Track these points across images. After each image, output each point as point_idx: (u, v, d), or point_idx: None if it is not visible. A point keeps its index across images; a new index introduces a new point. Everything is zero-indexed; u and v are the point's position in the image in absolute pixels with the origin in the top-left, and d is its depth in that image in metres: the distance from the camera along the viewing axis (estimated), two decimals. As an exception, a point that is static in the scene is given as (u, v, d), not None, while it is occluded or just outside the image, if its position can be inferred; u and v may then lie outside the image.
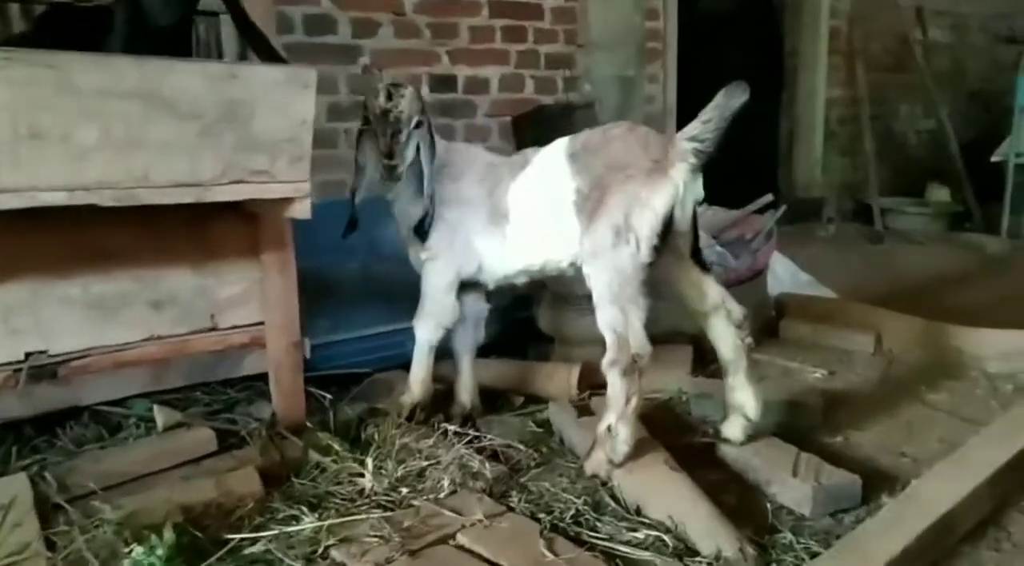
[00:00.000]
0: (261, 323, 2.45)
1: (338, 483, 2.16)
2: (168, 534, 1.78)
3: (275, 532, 1.91)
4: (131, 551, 1.74)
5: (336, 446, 2.29)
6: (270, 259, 2.42)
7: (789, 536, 1.94)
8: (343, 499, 2.09)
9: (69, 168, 1.83)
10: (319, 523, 1.94)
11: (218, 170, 2.03)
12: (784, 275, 4.15)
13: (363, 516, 1.97)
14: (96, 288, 2.19)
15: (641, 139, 2.22)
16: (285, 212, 2.25)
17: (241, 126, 2.02)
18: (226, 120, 2.00)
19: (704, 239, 2.94)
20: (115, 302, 2.22)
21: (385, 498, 2.08)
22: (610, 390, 2.16)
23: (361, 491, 2.12)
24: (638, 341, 2.11)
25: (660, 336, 2.45)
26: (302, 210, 2.22)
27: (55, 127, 1.80)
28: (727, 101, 2.07)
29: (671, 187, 2.13)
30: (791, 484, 2.11)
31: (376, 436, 2.36)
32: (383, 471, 2.18)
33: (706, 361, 2.85)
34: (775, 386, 2.82)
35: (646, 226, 2.12)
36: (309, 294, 2.58)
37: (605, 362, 2.14)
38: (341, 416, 2.53)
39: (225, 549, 1.84)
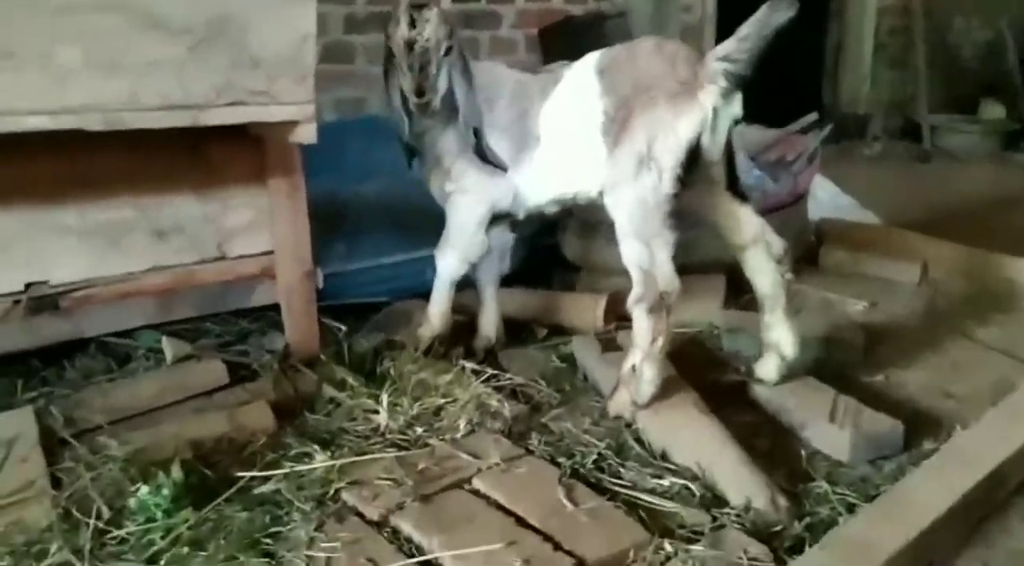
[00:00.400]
0: (271, 252, 2.35)
1: (352, 419, 2.10)
2: (176, 472, 1.73)
3: (286, 471, 1.85)
4: (137, 490, 1.69)
5: (351, 380, 2.23)
6: (278, 185, 2.29)
7: (824, 485, 1.83)
8: (357, 436, 2.03)
9: (50, 90, 1.72)
10: (331, 462, 1.87)
11: (212, 91, 1.89)
12: (824, 198, 3.93)
13: (377, 455, 1.91)
14: (94, 216, 2.10)
15: (669, 57, 2.03)
16: (289, 136, 2.11)
17: (235, 42, 1.88)
18: (218, 36, 1.85)
19: (741, 162, 2.74)
20: (115, 231, 2.14)
21: (400, 436, 2.02)
22: (635, 328, 2.04)
23: (375, 428, 2.06)
24: (665, 278, 1.98)
25: (696, 266, 2.31)
26: (307, 134, 2.08)
27: (31, 46, 1.68)
28: (769, 16, 1.87)
29: (699, 112, 1.95)
30: (828, 429, 2.00)
31: (392, 370, 2.28)
32: (398, 408, 2.11)
33: (740, 292, 2.70)
34: (813, 320, 2.67)
35: (669, 154, 1.96)
36: (323, 219, 2.46)
37: (631, 299, 2.02)
38: (356, 348, 2.44)
39: (234, 489, 1.79)
